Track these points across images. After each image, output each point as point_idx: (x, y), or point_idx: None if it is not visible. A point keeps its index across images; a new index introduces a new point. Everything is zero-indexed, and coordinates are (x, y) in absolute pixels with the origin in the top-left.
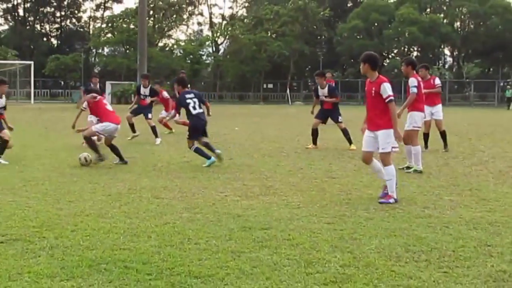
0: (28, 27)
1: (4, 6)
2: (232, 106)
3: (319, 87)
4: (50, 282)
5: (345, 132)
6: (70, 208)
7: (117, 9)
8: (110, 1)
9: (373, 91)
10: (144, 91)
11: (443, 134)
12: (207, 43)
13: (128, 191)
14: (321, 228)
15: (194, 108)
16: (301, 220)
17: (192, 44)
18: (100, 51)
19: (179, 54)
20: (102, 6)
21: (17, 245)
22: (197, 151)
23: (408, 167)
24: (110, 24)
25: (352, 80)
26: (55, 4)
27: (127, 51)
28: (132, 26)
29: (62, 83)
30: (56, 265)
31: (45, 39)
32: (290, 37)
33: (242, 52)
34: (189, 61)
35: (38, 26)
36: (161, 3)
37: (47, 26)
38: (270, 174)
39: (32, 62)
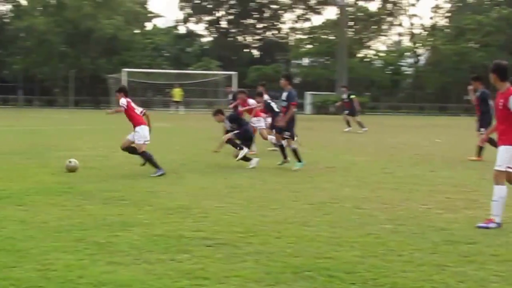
0: (230, 39)
1: (208, 18)
2: (432, 117)
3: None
4: (256, 286)
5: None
6: (274, 215)
7: (317, 20)
8: (310, 13)
9: (500, 104)
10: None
11: None
12: (407, 53)
13: (330, 200)
14: None
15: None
16: (509, 236)
17: (392, 55)
18: (300, 61)
19: (378, 65)
20: (302, 18)
21: (224, 249)
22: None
23: None
24: (310, 35)
25: None
26: (256, 16)
27: (327, 62)
28: (332, 37)
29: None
30: (262, 270)
31: (246, 50)
32: (493, 47)
33: (442, 63)
34: (389, 72)
35: (240, 38)
36: (361, 14)
37: (248, 38)
38: (474, 187)
39: (234, 73)
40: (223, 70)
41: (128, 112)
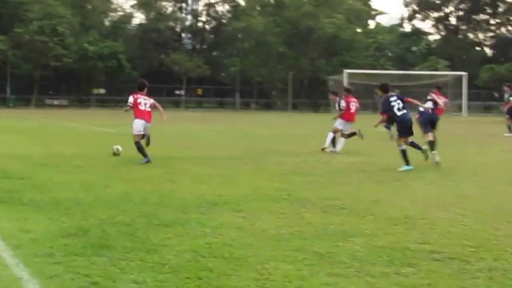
0: (460, 36)
1: (436, 15)
2: None
3: None
4: None
5: None
6: (509, 228)
7: None
8: None
9: None
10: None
11: None
12: None
13: None
14: None
15: (399, 109)
16: None
17: None
18: None
19: None
20: None
21: (453, 264)
22: (404, 152)
23: None
24: None
25: None
26: (489, 11)
27: None
28: None
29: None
30: None
31: (478, 48)
32: None
33: None
34: None
35: (470, 35)
36: None
37: (480, 35)
38: None
39: (464, 73)
40: (451, 70)
41: (134, 107)
